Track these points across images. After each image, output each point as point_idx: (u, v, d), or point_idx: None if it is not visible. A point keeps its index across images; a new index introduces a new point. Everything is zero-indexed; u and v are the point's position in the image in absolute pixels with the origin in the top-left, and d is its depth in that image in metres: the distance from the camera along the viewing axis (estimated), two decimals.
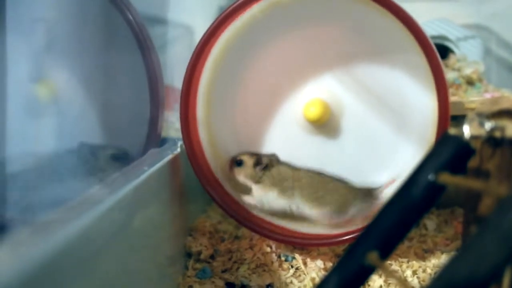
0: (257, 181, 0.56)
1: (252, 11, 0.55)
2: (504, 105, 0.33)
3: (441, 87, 0.49)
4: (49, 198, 0.53)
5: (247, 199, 0.57)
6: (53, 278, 0.26)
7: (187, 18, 1.00)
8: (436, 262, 0.56)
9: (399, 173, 0.54)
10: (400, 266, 0.55)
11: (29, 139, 0.62)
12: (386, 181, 0.55)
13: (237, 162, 0.56)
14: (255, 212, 0.58)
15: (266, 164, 0.56)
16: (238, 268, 0.55)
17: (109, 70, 0.66)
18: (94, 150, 0.61)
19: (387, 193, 0.53)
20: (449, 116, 0.50)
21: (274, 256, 0.57)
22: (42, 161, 0.60)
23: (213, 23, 0.54)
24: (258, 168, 0.56)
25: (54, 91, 0.65)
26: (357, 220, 0.54)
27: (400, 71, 0.56)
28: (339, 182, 0.55)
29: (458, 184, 0.28)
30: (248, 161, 0.56)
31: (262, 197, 0.56)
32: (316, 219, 0.55)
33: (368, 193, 0.55)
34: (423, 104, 0.54)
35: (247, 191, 0.57)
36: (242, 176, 0.56)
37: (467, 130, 0.30)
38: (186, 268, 0.54)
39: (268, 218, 0.58)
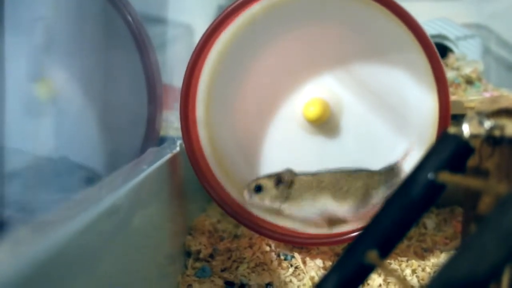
0: (284, 200, 0.55)
1: (252, 10, 0.55)
2: (504, 104, 0.33)
3: (442, 86, 0.49)
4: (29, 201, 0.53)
5: (290, 225, 0.56)
6: (52, 277, 0.26)
7: (187, 17, 1.00)
8: (436, 261, 0.56)
9: (415, 140, 0.54)
10: (400, 265, 0.55)
11: (28, 138, 0.62)
12: (402, 152, 0.55)
13: (256, 189, 0.55)
14: (254, 212, 0.58)
15: (289, 181, 0.54)
16: (237, 267, 0.55)
17: (108, 69, 0.66)
18: (71, 168, 0.60)
19: (407, 165, 0.53)
20: (450, 115, 0.50)
21: (273, 255, 0.57)
22: (30, 162, 0.59)
23: (213, 23, 0.54)
24: (281, 186, 0.54)
25: (53, 90, 0.65)
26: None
27: (400, 70, 0.56)
28: (357, 172, 0.54)
29: (458, 183, 0.28)
30: (268, 183, 0.55)
31: (296, 212, 0.55)
32: (346, 215, 0.54)
33: (389, 174, 0.54)
34: (423, 103, 0.54)
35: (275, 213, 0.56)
36: (267, 201, 0.55)
37: (466, 129, 0.30)
38: (186, 267, 0.54)
39: (268, 218, 0.58)
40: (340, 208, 0.54)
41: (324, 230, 0.56)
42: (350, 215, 0.54)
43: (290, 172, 0.55)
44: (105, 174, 0.61)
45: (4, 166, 0.57)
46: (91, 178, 0.60)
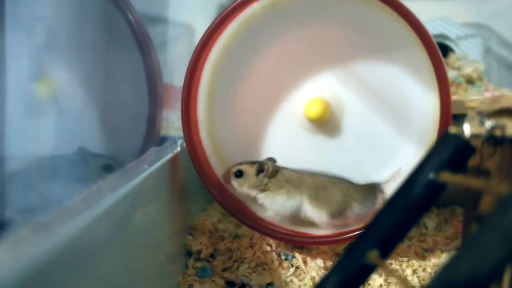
0: (263, 189, 0.54)
1: (252, 10, 0.55)
2: (505, 103, 0.33)
3: (443, 85, 0.49)
4: (39, 199, 0.53)
5: (263, 214, 0.56)
6: (53, 276, 0.26)
7: (188, 17, 1.00)
8: (436, 261, 0.56)
9: (403, 165, 0.54)
10: (400, 265, 0.55)
11: (29, 137, 0.62)
12: (390, 174, 0.55)
13: (236, 174, 0.54)
14: (253, 210, 0.58)
15: (271, 171, 0.54)
16: (238, 267, 0.55)
17: (109, 69, 0.66)
18: (87, 157, 0.61)
19: (392, 186, 0.53)
20: (451, 115, 0.50)
21: (274, 255, 0.57)
22: (37, 161, 0.59)
23: (213, 22, 0.54)
24: (261, 175, 0.54)
25: (54, 89, 0.65)
26: (363, 218, 0.54)
27: (401, 69, 0.56)
28: (340, 182, 0.54)
29: (459, 182, 0.28)
30: (249, 170, 0.54)
31: (271, 203, 0.55)
32: (317, 221, 0.55)
33: (371, 190, 0.54)
34: (424, 103, 0.54)
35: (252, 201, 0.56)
36: (245, 187, 0.54)
37: (467, 129, 0.30)
38: (186, 267, 0.54)
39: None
40: (313, 212, 0.54)
41: (300, 225, 0.57)
42: (322, 222, 0.54)
43: (272, 162, 0.55)
44: (124, 161, 0.61)
45: (9, 165, 0.57)
46: (109, 165, 0.60)
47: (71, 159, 0.60)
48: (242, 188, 0.55)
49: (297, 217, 0.56)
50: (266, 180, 0.54)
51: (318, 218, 0.54)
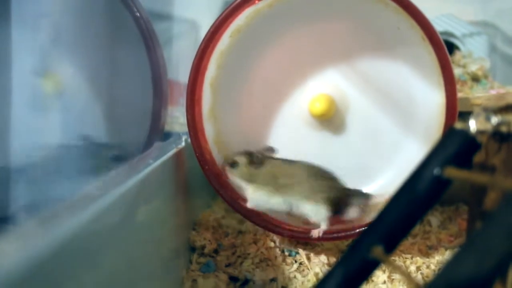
0: (250, 180, 0.54)
1: (257, 6, 0.55)
2: (510, 100, 0.33)
3: (449, 82, 0.49)
4: (49, 192, 0.53)
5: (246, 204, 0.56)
6: (58, 270, 0.26)
7: (193, 13, 1.00)
8: (440, 258, 0.56)
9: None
10: (404, 262, 0.55)
11: (35, 132, 0.62)
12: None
13: (231, 164, 0.55)
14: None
15: (257, 162, 0.54)
16: (241, 262, 0.55)
17: (114, 64, 0.66)
18: (96, 148, 0.61)
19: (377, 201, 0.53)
20: (457, 112, 0.50)
21: (277, 251, 0.57)
22: (47, 154, 0.60)
23: (218, 18, 0.54)
24: (251, 167, 0.54)
25: (60, 85, 0.65)
26: (353, 220, 0.54)
27: (406, 66, 0.55)
28: (331, 179, 0.54)
29: (464, 178, 0.28)
30: (242, 160, 0.54)
31: (256, 196, 0.54)
32: (309, 215, 0.54)
33: (360, 194, 0.54)
34: (429, 99, 0.54)
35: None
36: (237, 178, 0.54)
37: (473, 125, 0.30)
38: (190, 262, 0.55)
39: (273, 213, 0.58)
40: (304, 206, 0.54)
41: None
42: (314, 217, 0.54)
43: (267, 151, 0.55)
44: (132, 151, 0.61)
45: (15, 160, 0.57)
46: (118, 156, 0.60)
47: (79, 150, 0.60)
48: (234, 179, 0.55)
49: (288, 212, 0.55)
50: (255, 171, 0.54)
51: (307, 212, 0.54)
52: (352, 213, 0.53)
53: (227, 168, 0.55)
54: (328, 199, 0.53)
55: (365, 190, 0.58)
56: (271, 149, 0.56)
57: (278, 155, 0.56)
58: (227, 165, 0.55)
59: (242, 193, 0.56)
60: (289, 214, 0.55)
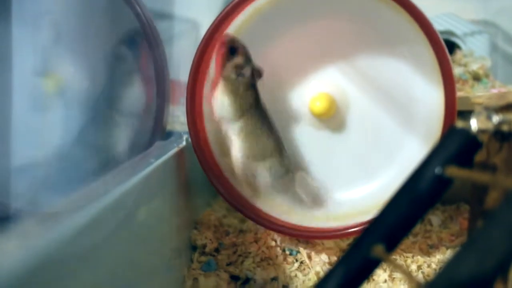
0: (224, 80, 0.53)
1: (258, 4, 0.55)
2: None
3: (448, 81, 0.49)
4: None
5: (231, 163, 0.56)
6: (59, 268, 0.26)
7: (193, 12, 1.00)
8: (441, 257, 0.56)
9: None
10: (405, 261, 0.55)
11: (35, 132, 0.62)
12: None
13: (231, 50, 0.53)
14: (259, 205, 0.58)
15: (244, 74, 0.53)
16: (242, 261, 0.55)
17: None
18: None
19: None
20: (456, 110, 0.50)
21: (278, 250, 0.57)
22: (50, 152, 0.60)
23: (218, 17, 0.54)
24: (237, 72, 0.53)
25: (61, 84, 0.65)
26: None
27: (407, 65, 0.55)
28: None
29: (465, 177, 0.28)
30: (240, 60, 0.53)
31: (218, 97, 0.54)
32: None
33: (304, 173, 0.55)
34: (429, 98, 0.54)
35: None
36: (228, 68, 0.53)
37: (474, 124, 0.30)
38: (191, 261, 0.55)
39: (274, 212, 0.58)
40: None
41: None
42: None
43: (256, 71, 0.54)
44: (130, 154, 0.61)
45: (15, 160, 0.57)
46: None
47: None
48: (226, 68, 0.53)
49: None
50: (235, 79, 0.53)
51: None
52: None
53: (223, 53, 0.53)
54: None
55: (366, 189, 0.58)
56: (260, 71, 0.55)
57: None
58: (228, 49, 0.53)
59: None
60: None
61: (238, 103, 0.54)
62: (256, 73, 0.55)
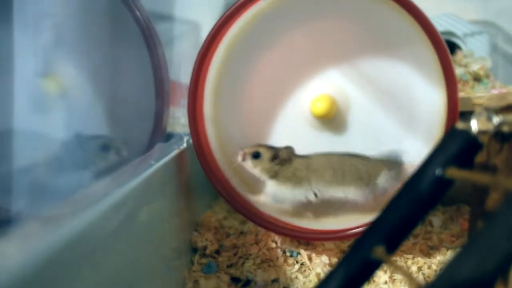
0: (272, 176, 0.55)
1: (259, 6, 0.55)
2: None
3: (450, 82, 0.49)
4: (50, 191, 0.53)
5: (259, 197, 0.56)
6: (60, 270, 0.26)
7: (194, 14, 1.00)
8: (442, 258, 0.56)
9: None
10: (406, 262, 0.55)
11: (37, 133, 0.62)
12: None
13: (254, 155, 0.55)
14: (261, 208, 0.58)
15: (284, 159, 0.55)
16: (243, 263, 0.55)
17: (116, 65, 0.66)
18: (83, 141, 0.61)
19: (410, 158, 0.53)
20: (458, 111, 0.50)
21: (279, 251, 0.57)
22: (47, 154, 0.60)
23: (219, 19, 0.54)
24: (275, 162, 0.55)
25: (62, 86, 0.65)
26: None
27: (408, 66, 0.55)
28: (357, 158, 0.54)
29: (466, 178, 0.28)
30: (266, 154, 0.55)
31: (276, 191, 0.55)
32: (348, 200, 0.54)
33: (390, 162, 0.54)
34: (430, 99, 0.54)
35: (256, 185, 0.57)
36: (258, 169, 0.55)
37: (475, 125, 0.30)
38: (192, 262, 0.55)
39: (275, 214, 0.58)
40: (336, 192, 0.54)
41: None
42: (356, 199, 0.54)
43: (289, 150, 0.55)
44: (120, 139, 0.61)
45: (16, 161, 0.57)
46: (106, 145, 0.60)
47: (68, 146, 0.60)
48: (255, 169, 0.55)
49: (308, 206, 0.56)
50: (277, 167, 0.55)
51: (344, 197, 0.54)
52: (382, 182, 0.54)
53: (249, 158, 0.55)
54: (359, 178, 0.53)
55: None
56: (291, 149, 0.56)
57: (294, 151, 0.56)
58: (249, 155, 0.55)
59: (250, 187, 0.56)
60: (308, 205, 0.56)
61: (275, 173, 0.55)
62: (289, 149, 0.56)
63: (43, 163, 0.59)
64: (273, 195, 0.55)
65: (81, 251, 0.28)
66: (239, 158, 0.55)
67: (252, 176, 0.56)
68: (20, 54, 0.61)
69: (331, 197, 0.55)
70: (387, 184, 0.54)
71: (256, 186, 0.57)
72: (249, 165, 0.55)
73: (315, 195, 0.55)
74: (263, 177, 0.55)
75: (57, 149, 0.60)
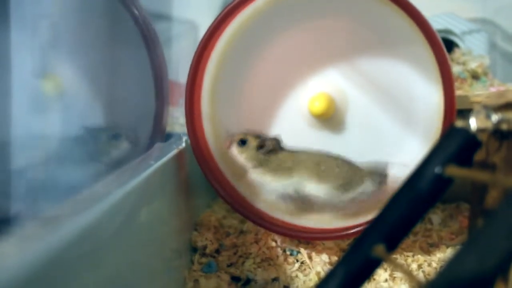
0: (256, 165, 0.55)
1: (256, 5, 0.55)
2: (511, 98, 0.33)
3: (447, 80, 0.49)
4: (55, 188, 0.53)
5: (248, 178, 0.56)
6: (60, 271, 0.26)
7: (192, 13, 1.00)
8: (441, 256, 0.56)
9: (408, 160, 0.54)
10: (406, 260, 0.55)
11: (35, 134, 0.62)
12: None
13: (240, 142, 0.55)
14: (260, 206, 0.58)
15: (269, 149, 0.54)
16: (243, 262, 0.55)
17: (115, 65, 0.66)
18: (93, 133, 0.61)
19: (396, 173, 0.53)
20: (455, 109, 0.50)
21: (279, 250, 0.57)
22: (48, 153, 0.60)
23: (217, 18, 0.54)
24: (260, 151, 0.54)
25: (60, 86, 0.65)
26: (371, 205, 0.53)
27: (406, 64, 0.55)
28: (344, 161, 0.54)
29: (465, 176, 0.28)
30: (252, 142, 0.55)
31: (257, 180, 0.55)
32: (320, 197, 0.54)
33: (375, 172, 0.54)
34: (428, 97, 0.54)
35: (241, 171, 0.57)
36: (243, 157, 0.55)
37: (473, 123, 0.30)
38: (192, 262, 0.55)
39: (274, 212, 0.58)
40: (311, 186, 0.54)
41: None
42: (328, 198, 0.54)
43: (275, 141, 0.55)
44: (131, 129, 0.62)
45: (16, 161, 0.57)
46: (116, 134, 0.61)
47: (80, 140, 0.60)
48: (240, 156, 0.55)
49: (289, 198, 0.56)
50: (262, 156, 0.54)
51: (317, 193, 0.54)
52: (364, 190, 0.54)
53: (234, 145, 0.55)
54: (339, 177, 0.53)
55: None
56: (278, 140, 0.56)
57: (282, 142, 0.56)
58: (235, 142, 0.55)
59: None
60: (288, 200, 0.56)
61: (260, 162, 0.55)
62: (278, 139, 0.56)
63: (49, 161, 0.59)
64: (264, 186, 0.55)
65: (81, 251, 0.28)
66: (226, 144, 0.56)
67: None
68: (18, 55, 0.60)
69: (309, 194, 0.54)
70: (368, 193, 0.53)
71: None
72: (235, 151, 0.55)
73: (296, 190, 0.54)
74: (248, 165, 0.55)
75: (64, 145, 0.60)
